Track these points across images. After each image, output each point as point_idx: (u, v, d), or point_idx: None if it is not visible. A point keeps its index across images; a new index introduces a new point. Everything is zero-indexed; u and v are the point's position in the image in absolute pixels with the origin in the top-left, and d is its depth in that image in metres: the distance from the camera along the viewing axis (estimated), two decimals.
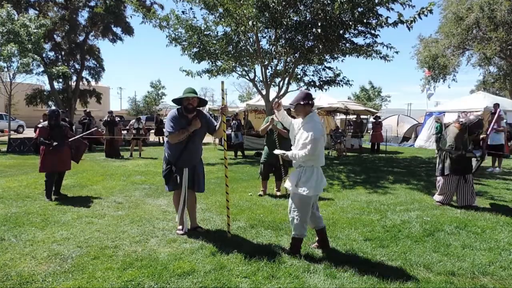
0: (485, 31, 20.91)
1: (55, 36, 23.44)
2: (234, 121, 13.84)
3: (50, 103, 24.86)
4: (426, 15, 8.64)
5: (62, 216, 4.97)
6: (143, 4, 18.36)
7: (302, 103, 3.55)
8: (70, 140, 6.28)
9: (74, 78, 24.59)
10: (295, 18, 10.63)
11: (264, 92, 12.39)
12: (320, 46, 10.36)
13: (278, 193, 6.50)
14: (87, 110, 15.39)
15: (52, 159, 5.98)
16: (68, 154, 6.28)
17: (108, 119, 12.93)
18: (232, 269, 3.28)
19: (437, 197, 5.92)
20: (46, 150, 5.99)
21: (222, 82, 4.16)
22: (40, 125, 6.33)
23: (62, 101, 23.32)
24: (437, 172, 5.93)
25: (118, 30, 24.83)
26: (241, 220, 4.84)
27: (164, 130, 4.01)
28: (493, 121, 6.88)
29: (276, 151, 3.96)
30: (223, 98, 4.16)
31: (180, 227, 4.33)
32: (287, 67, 12.12)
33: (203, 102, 4.47)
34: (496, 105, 10.64)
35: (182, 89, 4.16)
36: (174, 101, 4.24)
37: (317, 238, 3.85)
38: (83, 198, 6.09)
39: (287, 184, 3.72)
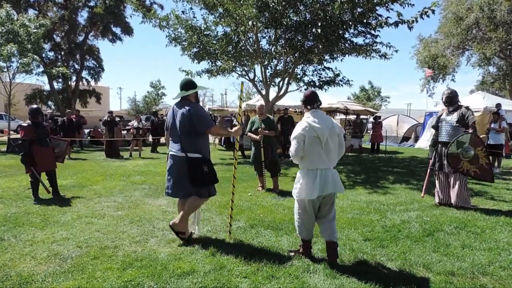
0: (485, 31, 20.95)
1: (54, 36, 23.47)
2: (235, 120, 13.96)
3: (50, 103, 24.93)
4: (429, 16, 8.50)
5: (62, 216, 4.97)
6: (143, 4, 18.36)
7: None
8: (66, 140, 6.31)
9: (74, 78, 24.62)
10: (295, 18, 10.62)
11: (263, 92, 12.39)
12: (320, 46, 10.36)
13: (277, 190, 6.64)
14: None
15: (39, 158, 5.96)
16: (52, 153, 6.32)
17: (108, 119, 12.92)
18: (232, 269, 3.28)
19: (435, 196, 5.89)
20: (33, 150, 5.95)
21: (242, 83, 4.07)
22: (24, 124, 5.96)
23: (61, 101, 23.33)
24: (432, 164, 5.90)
25: (117, 30, 24.91)
26: (241, 220, 4.84)
27: (204, 124, 3.92)
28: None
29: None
30: (240, 99, 4.08)
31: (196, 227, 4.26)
32: (286, 67, 12.12)
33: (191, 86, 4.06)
34: (499, 105, 10.67)
35: None
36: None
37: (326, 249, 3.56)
38: (83, 198, 6.09)
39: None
